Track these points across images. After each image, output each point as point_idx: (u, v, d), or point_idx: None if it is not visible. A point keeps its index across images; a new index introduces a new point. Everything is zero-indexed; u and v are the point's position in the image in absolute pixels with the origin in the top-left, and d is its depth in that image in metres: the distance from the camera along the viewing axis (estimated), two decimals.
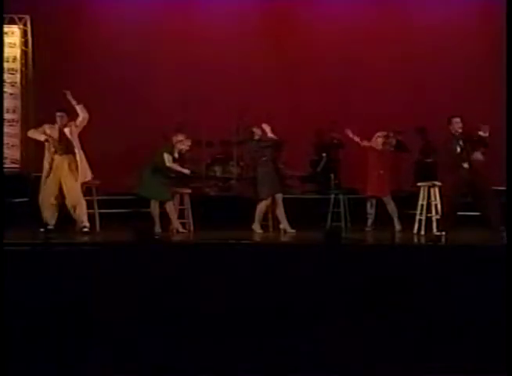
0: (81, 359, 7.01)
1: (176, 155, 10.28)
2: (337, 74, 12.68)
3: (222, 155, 12.46)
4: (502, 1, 10.59)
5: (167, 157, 10.14)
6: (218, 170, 12.39)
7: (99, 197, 10.33)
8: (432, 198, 10.00)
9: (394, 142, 10.76)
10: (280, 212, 10.12)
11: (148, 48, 12.68)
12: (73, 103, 9.68)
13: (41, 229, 9.10)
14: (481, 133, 9.08)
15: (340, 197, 10.43)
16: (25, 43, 12.41)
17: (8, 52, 12.11)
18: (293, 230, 10.04)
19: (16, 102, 12.23)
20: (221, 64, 12.60)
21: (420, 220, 10.02)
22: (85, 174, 9.73)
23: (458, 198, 9.20)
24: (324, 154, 12.17)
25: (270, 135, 10.12)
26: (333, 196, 10.49)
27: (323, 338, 7.20)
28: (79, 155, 9.66)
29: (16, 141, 12.14)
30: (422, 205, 10.04)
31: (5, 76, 12.00)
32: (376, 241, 9.25)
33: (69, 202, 9.66)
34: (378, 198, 10.49)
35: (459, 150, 9.16)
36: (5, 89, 11.96)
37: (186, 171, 10.34)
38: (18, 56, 12.33)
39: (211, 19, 12.84)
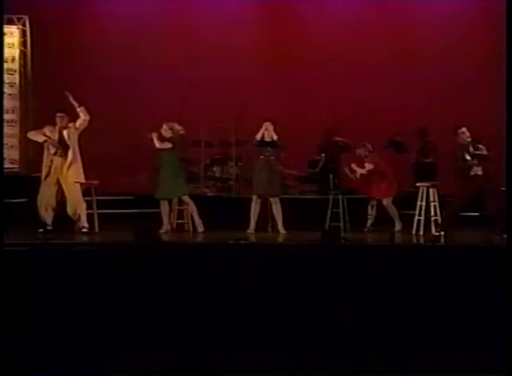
0: (79, 358, 7.00)
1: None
2: (337, 73, 12.66)
3: (221, 155, 12.44)
4: (502, 1, 10.58)
5: (155, 137, 10.06)
6: (216, 170, 12.37)
7: (98, 198, 10.32)
8: (431, 199, 10.00)
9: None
10: (277, 213, 10.12)
11: (147, 49, 12.67)
12: (75, 105, 9.68)
13: (40, 230, 9.09)
14: (482, 152, 9.15)
15: (339, 197, 10.42)
16: (24, 43, 12.40)
17: (7, 52, 12.09)
18: (284, 231, 10.03)
19: (15, 102, 12.22)
20: (220, 64, 12.59)
21: (419, 220, 10.03)
22: (80, 176, 9.74)
23: (466, 201, 9.22)
24: (323, 155, 12.15)
25: (272, 133, 10.14)
26: (331, 196, 10.48)
27: (322, 338, 7.20)
28: (74, 157, 9.65)
29: (15, 141, 12.13)
30: (421, 206, 10.05)
31: (4, 76, 11.99)
32: (375, 241, 9.24)
33: (68, 202, 9.67)
34: (379, 200, 10.49)
35: (469, 158, 9.18)
36: (4, 90, 11.95)
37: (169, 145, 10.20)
38: (17, 56, 12.32)
39: (210, 19, 12.84)
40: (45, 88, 11.93)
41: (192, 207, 10.24)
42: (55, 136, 9.70)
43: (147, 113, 11.85)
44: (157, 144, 10.07)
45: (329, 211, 10.35)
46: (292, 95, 12.68)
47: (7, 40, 12.15)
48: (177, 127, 10.31)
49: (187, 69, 12.57)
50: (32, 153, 11.38)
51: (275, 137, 10.18)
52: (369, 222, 10.55)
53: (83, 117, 9.70)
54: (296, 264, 7.66)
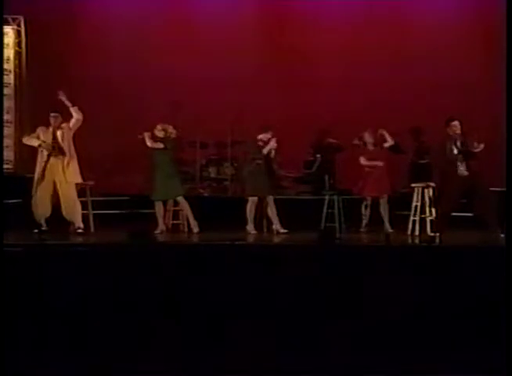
0: (76, 360, 6.99)
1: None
2: (333, 74, 12.67)
3: (217, 156, 12.45)
4: (500, 2, 10.58)
5: (147, 136, 10.07)
6: (212, 171, 12.38)
7: (94, 198, 10.31)
8: (426, 199, 10.01)
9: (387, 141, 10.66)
10: (272, 213, 10.13)
11: (142, 49, 12.66)
12: (68, 104, 9.68)
13: (35, 231, 9.07)
14: (476, 149, 9.14)
15: (335, 197, 10.42)
16: (19, 44, 12.38)
17: None
18: (285, 230, 10.05)
19: (10, 103, 12.20)
20: (216, 65, 12.59)
21: (414, 221, 10.04)
22: (76, 176, 9.73)
23: (454, 200, 9.21)
24: (318, 155, 12.16)
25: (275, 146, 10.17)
26: (327, 197, 10.48)
27: (320, 338, 7.20)
28: (69, 156, 9.63)
29: (10, 142, 12.11)
30: (416, 206, 10.06)
31: None
32: (370, 242, 9.25)
33: (63, 203, 9.65)
34: (374, 199, 10.47)
35: (456, 151, 9.18)
36: None
37: (161, 145, 10.20)
38: (12, 56, 12.30)
39: (207, 20, 12.83)
40: (39, 89, 11.90)
41: (186, 208, 10.23)
42: (49, 137, 9.68)
43: (143, 114, 11.83)
44: (148, 143, 10.08)
45: (324, 212, 10.35)
46: (288, 95, 12.67)
47: None
48: (171, 129, 10.30)
49: (183, 70, 12.55)
50: (27, 154, 11.35)
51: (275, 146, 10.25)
52: (364, 222, 10.53)
53: (76, 116, 9.68)
54: (293, 264, 7.65)
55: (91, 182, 10.22)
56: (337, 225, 10.15)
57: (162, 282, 7.52)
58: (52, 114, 9.70)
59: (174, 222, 10.47)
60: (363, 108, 12.33)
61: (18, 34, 12.35)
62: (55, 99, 9.74)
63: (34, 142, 9.77)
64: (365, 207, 10.54)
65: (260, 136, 10.29)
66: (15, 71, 12.32)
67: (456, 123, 9.26)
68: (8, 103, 12.14)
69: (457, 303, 7.36)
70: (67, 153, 9.67)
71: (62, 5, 12.50)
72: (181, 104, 11.28)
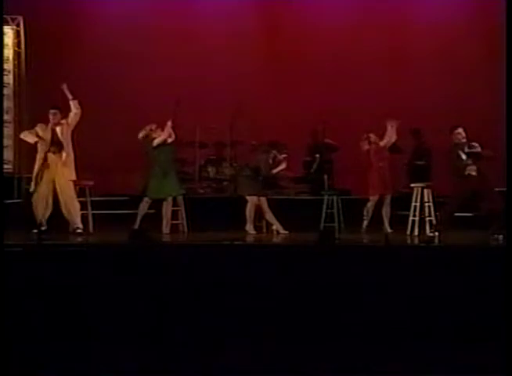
0: (76, 358, 6.99)
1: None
2: (332, 74, 12.68)
3: (216, 156, 12.46)
4: (500, 1, 10.59)
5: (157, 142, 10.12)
6: (211, 171, 12.39)
7: (93, 198, 10.31)
8: (425, 199, 10.02)
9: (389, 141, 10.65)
10: (269, 215, 10.15)
11: (141, 49, 12.66)
12: (70, 97, 9.63)
13: (34, 231, 9.07)
14: (476, 150, 9.17)
15: (334, 198, 10.42)
16: (18, 44, 12.37)
17: None
18: (285, 231, 10.07)
19: (9, 103, 12.19)
20: (214, 65, 12.60)
21: (414, 221, 10.04)
22: (71, 174, 9.72)
23: (461, 202, 9.23)
24: (317, 156, 12.17)
25: None
26: (326, 197, 10.48)
27: (318, 338, 7.20)
28: (67, 153, 9.62)
29: (9, 142, 12.10)
30: (415, 206, 10.06)
31: None
32: (370, 242, 9.25)
33: (62, 203, 9.63)
34: (380, 197, 10.44)
35: (464, 157, 9.20)
36: None
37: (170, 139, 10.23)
38: (11, 56, 12.29)
39: (204, 20, 12.84)
40: (38, 89, 11.90)
41: (168, 208, 10.21)
42: (48, 135, 9.65)
43: (142, 114, 11.83)
44: (141, 134, 10.07)
45: (323, 212, 10.35)
46: (287, 96, 12.67)
47: None
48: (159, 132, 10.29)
49: (182, 69, 12.57)
50: (26, 154, 11.35)
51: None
52: (365, 223, 10.50)
53: (74, 110, 9.63)
54: (292, 264, 7.65)
55: (90, 182, 10.22)
56: (336, 225, 10.15)
57: (161, 281, 7.53)
58: (51, 111, 9.68)
59: (174, 222, 10.47)
60: (362, 109, 12.35)
61: (17, 34, 12.34)
62: (55, 100, 9.73)
63: (30, 139, 9.74)
64: (370, 207, 10.46)
65: (274, 153, 10.30)
66: (14, 71, 12.31)
67: (460, 130, 9.31)
68: (7, 103, 12.12)
69: (457, 303, 7.36)
70: (66, 150, 9.64)
71: (61, 6, 12.52)
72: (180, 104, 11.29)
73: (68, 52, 12.47)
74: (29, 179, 10.02)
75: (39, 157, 9.61)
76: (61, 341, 7.18)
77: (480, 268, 7.49)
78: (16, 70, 12.35)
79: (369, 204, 10.42)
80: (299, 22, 12.95)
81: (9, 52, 12.26)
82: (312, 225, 9.82)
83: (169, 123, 10.11)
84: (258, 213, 10.33)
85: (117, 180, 11.76)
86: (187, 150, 12.00)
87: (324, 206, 10.39)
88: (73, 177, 9.76)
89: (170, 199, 10.26)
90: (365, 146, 10.43)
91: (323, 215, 10.35)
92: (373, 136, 10.45)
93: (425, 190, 10.05)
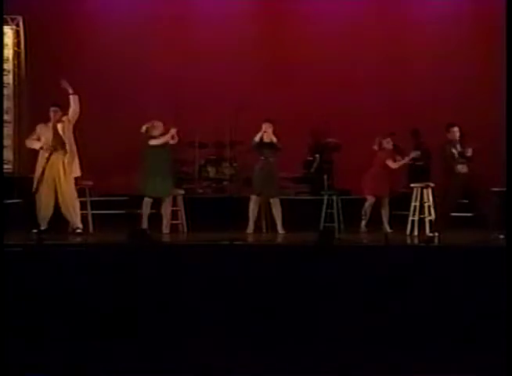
0: (75, 358, 6.99)
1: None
2: (333, 74, 12.69)
3: (215, 156, 12.46)
4: (500, 1, 10.59)
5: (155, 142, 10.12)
6: (211, 171, 12.39)
7: (93, 199, 10.31)
8: (425, 199, 10.03)
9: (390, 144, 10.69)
10: (278, 214, 10.16)
11: (141, 49, 12.67)
12: (70, 91, 9.60)
13: (34, 231, 9.06)
14: (467, 154, 9.22)
15: (334, 198, 10.43)
16: (17, 44, 12.39)
17: None
18: (283, 231, 10.07)
19: (9, 103, 12.21)
20: (214, 65, 12.61)
21: (413, 221, 10.06)
22: (75, 170, 9.70)
23: (454, 200, 9.25)
24: (317, 155, 12.18)
25: (271, 134, 10.18)
26: (326, 197, 10.49)
27: (318, 338, 7.21)
28: (71, 150, 9.60)
29: (9, 142, 12.11)
30: (415, 206, 10.08)
31: None
32: (370, 242, 9.25)
33: (62, 203, 9.62)
34: (377, 199, 10.46)
35: (456, 153, 9.23)
36: None
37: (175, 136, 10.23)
38: (10, 56, 12.32)
39: (205, 21, 12.85)
40: (38, 89, 11.91)
41: (168, 208, 10.20)
42: (50, 133, 9.63)
43: (142, 114, 11.83)
44: (144, 128, 10.09)
45: (323, 212, 10.36)
46: (286, 95, 12.68)
47: None
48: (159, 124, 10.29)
49: (182, 69, 12.58)
50: (26, 154, 11.35)
51: (274, 139, 10.25)
52: (363, 223, 10.53)
53: (73, 105, 9.59)
54: (291, 264, 7.66)
55: (90, 183, 10.22)
56: (335, 225, 10.16)
57: (160, 282, 7.53)
58: (52, 108, 9.65)
59: (174, 222, 10.48)
60: (362, 108, 12.36)
61: (17, 34, 12.36)
62: (55, 99, 9.72)
63: (36, 145, 9.71)
64: (368, 207, 10.49)
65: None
66: (14, 71, 12.33)
67: (455, 129, 9.36)
68: (7, 103, 12.15)
69: (457, 303, 7.36)
70: (69, 147, 9.62)
71: (61, 6, 12.53)
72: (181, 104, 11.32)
73: (68, 52, 12.49)
74: (30, 179, 10.01)
75: (42, 156, 9.59)
76: (61, 341, 7.19)
77: (480, 268, 7.49)
78: (16, 70, 12.37)
79: (367, 204, 10.46)
80: (299, 22, 12.97)
81: (8, 52, 12.28)
82: (312, 225, 9.83)
83: (173, 130, 10.10)
84: (259, 213, 10.34)
85: (116, 180, 11.75)
86: (187, 150, 12.01)
87: (324, 206, 10.40)
88: (78, 173, 9.73)
89: (169, 199, 10.26)
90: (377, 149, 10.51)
91: (323, 214, 10.36)
92: (384, 141, 10.52)
93: (425, 190, 10.07)
